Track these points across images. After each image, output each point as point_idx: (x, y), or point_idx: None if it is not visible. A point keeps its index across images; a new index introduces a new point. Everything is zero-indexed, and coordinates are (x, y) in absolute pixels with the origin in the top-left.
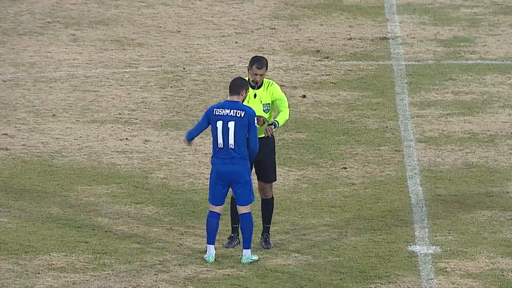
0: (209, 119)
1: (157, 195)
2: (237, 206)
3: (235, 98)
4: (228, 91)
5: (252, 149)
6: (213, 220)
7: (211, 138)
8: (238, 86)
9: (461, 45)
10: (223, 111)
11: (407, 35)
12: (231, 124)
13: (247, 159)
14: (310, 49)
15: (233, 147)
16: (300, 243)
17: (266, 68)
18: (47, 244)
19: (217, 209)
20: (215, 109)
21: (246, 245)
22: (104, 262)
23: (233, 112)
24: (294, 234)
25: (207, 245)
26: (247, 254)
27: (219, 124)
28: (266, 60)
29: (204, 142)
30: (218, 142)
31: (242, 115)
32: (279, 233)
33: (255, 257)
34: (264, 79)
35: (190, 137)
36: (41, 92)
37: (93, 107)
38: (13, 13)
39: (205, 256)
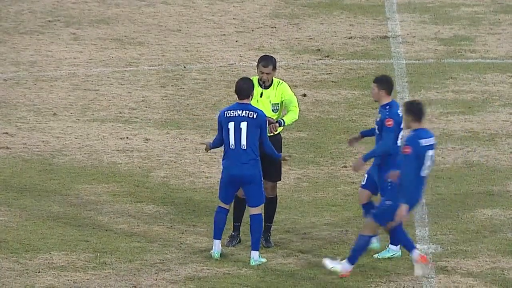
0: (221, 123)
1: (158, 194)
2: (248, 207)
3: (245, 101)
4: (235, 93)
5: (268, 152)
6: (221, 216)
7: (213, 138)
8: (247, 89)
9: (462, 44)
10: (235, 113)
11: (407, 34)
12: (244, 125)
13: (259, 161)
14: (311, 48)
15: (245, 148)
16: (301, 242)
17: (274, 68)
18: (48, 243)
19: (226, 205)
20: (226, 112)
21: (255, 247)
22: (104, 261)
23: (245, 113)
24: (295, 233)
25: (213, 240)
26: (255, 256)
27: (231, 125)
28: (274, 60)
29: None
30: (230, 143)
31: (255, 116)
32: (280, 232)
33: (263, 259)
34: (274, 78)
35: (211, 147)
36: (41, 91)
37: (93, 106)
38: (14, 12)
39: (210, 251)
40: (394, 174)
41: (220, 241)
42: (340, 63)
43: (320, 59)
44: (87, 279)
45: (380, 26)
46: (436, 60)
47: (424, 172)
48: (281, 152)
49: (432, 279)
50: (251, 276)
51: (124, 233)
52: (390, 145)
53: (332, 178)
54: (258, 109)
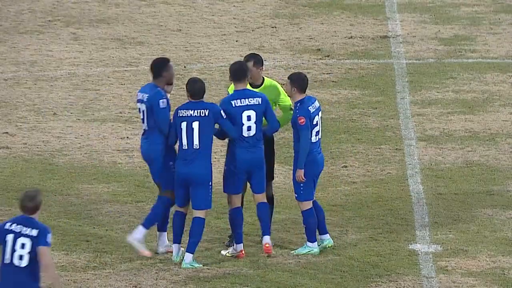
0: (175, 121)
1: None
2: (193, 209)
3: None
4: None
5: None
6: (178, 219)
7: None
8: (199, 88)
9: (462, 44)
10: (187, 112)
11: (408, 34)
12: (196, 124)
13: (210, 162)
14: (311, 48)
15: (197, 148)
16: (301, 242)
17: (256, 63)
18: None
19: (182, 209)
20: (179, 111)
21: (190, 249)
22: (105, 261)
23: (197, 112)
24: (295, 232)
25: (173, 244)
26: (187, 259)
27: (184, 125)
28: (260, 57)
29: None
30: (183, 144)
31: (207, 113)
32: (280, 232)
33: (198, 264)
34: (266, 78)
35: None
36: (42, 91)
37: (94, 106)
38: (14, 12)
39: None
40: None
41: (179, 245)
42: (341, 63)
43: (320, 59)
44: (88, 279)
45: (381, 25)
46: (437, 60)
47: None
48: (273, 153)
49: (433, 279)
50: (251, 276)
51: (125, 233)
52: (309, 142)
53: (332, 178)
54: (210, 104)
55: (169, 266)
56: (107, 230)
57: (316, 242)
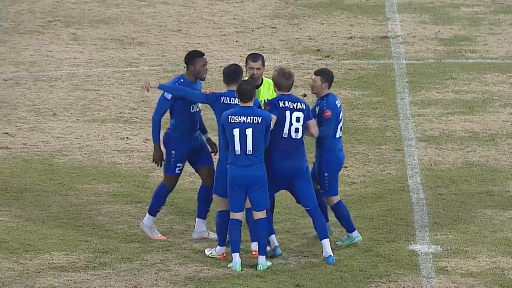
0: (224, 126)
1: None
2: (252, 212)
3: (249, 103)
4: (237, 96)
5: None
6: (236, 228)
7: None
8: (250, 90)
9: (462, 44)
10: (240, 118)
11: (407, 34)
12: (249, 131)
13: (263, 164)
14: (311, 48)
15: (251, 153)
16: (301, 242)
17: (263, 63)
18: (48, 243)
19: (238, 216)
20: (230, 116)
21: (262, 252)
22: (104, 261)
23: (250, 118)
24: (295, 233)
25: (232, 254)
26: (263, 261)
27: (236, 131)
28: (262, 56)
29: None
30: (236, 149)
31: (260, 121)
32: (280, 232)
33: (269, 263)
34: (265, 78)
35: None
36: (41, 91)
37: (93, 106)
38: (14, 12)
39: (229, 265)
40: None
41: (238, 254)
42: (340, 63)
43: (320, 59)
44: (87, 279)
45: (380, 26)
46: (436, 60)
47: None
48: None
49: (432, 279)
50: (251, 277)
51: (124, 233)
52: (329, 131)
53: None
54: (262, 111)
55: (169, 266)
56: (107, 230)
57: (356, 231)
